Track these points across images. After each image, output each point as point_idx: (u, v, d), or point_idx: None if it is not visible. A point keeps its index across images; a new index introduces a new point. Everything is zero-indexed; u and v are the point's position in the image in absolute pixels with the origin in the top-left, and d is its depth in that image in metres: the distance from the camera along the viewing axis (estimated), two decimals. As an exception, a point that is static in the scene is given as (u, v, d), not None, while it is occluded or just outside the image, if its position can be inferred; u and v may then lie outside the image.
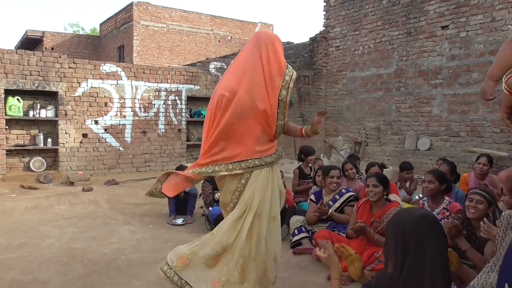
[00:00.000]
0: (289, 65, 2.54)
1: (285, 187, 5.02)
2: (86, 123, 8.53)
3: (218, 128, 2.45)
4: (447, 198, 3.69)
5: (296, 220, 4.28)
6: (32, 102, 8.07)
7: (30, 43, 21.88)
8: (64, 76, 8.20)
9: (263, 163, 2.53)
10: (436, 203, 3.61)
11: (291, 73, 2.51)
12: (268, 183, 2.55)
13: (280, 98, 2.48)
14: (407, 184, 5.44)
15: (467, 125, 8.83)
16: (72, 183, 7.61)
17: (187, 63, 18.63)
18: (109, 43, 21.82)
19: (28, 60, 7.83)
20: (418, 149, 9.58)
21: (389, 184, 3.57)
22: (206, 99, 9.62)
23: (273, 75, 2.46)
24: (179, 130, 9.73)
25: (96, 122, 8.66)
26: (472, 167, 7.52)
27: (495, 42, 8.19)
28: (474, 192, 2.98)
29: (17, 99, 7.76)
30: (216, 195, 5.03)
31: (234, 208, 2.54)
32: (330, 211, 4.02)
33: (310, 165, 5.69)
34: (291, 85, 2.49)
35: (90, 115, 8.56)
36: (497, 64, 1.57)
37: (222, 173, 2.50)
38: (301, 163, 5.76)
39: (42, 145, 8.08)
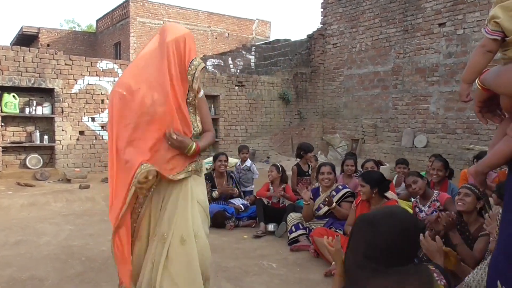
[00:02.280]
0: (196, 59, 2.15)
1: (286, 182, 5.08)
2: (82, 120, 8.49)
3: (117, 134, 2.08)
4: (435, 191, 3.85)
5: (293, 217, 4.29)
6: (28, 99, 8.03)
7: (26, 39, 21.75)
8: (60, 73, 8.16)
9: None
10: (427, 198, 3.77)
11: (194, 71, 2.12)
12: (178, 200, 2.14)
13: (188, 100, 2.17)
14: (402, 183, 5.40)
15: (463, 122, 8.87)
16: (68, 181, 7.59)
17: (184, 60, 18.56)
18: (106, 40, 21.72)
19: (23, 57, 7.78)
20: (415, 146, 9.61)
21: (380, 181, 3.57)
22: (203, 96, 9.58)
23: (181, 75, 2.12)
24: (176, 127, 9.70)
25: (93, 119, 8.62)
26: (468, 164, 7.57)
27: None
28: (463, 186, 3.10)
29: (13, 96, 7.72)
30: (214, 193, 5.04)
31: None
32: (334, 204, 4.03)
33: (308, 162, 5.69)
34: (194, 86, 2.13)
35: (86, 112, 8.53)
36: (469, 69, 1.66)
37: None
38: (298, 160, 5.77)
39: (38, 142, 8.04)
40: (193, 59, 2.13)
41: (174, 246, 2.08)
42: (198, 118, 2.24)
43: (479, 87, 1.65)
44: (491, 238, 2.45)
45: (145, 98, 2.06)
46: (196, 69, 2.12)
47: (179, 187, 2.16)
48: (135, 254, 2.22)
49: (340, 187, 4.27)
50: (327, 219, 4.15)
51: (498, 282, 1.41)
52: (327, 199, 4.02)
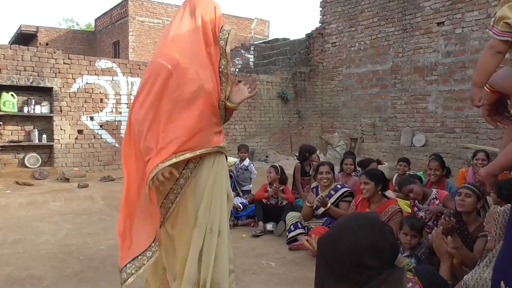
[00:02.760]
0: (224, 26, 2.11)
1: (286, 183, 4.98)
2: (81, 119, 8.49)
3: (163, 111, 1.96)
4: (433, 189, 3.82)
5: (292, 217, 4.29)
6: (26, 98, 8.02)
7: (24, 38, 21.71)
8: (59, 72, 8.15)
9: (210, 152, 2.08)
10: (425, 197, 3.73)
11: (226, 35, 2.08)
12: (213, 189, 2.13)
13: (220, 69, 2.09)
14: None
15: (462, 121, 8.88)
16: (67, 180, 7.58)
17: (183, 59, 18.53)
18: (104, 39, 21.68)
19: (22, 56, 7.77)
20: (414, 145, 9.62)
21: (383, 179, 3.58)
22: (202, 95, 9.56)
23: (212, 45, 2.08)
24: (175, 126, 9.69)
25: (92, 118, 8.62)
26: (467, 163, 7.58)
27: (490, 39, 8.20)
28: (463, 186, 3.06)
29: (11, 95, 7.71)
30: None
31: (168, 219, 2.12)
32: (329, 204, 4.03)
33: (311, 163, 5.65)
34: (227, 50, 2.08)
35: (85, 111, 8.52)
36: (478, 72, 1.61)
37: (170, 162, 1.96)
38: (302, 161, 5.67)
39: (37, 141, 8.03)
40: (222, 25, 2.11)
41: (216, 238, 2.10)
42: (229, 88, 2.14)
43: (487, 90, 1.61)
44: (488, 238, 2.45)
45: (191, 73, 1.99)
46: (228, 33, 2.09)
47: (213, 175, 2.13)
48: (178, 245, 2.14)
49: (339, 186, 4.26)
50: (326, 218, 4.14)
51: (502, 283, 1.40)
52: (320, 199, 4.00)
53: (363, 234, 1.29)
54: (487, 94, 1.62)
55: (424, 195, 3.74)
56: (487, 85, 1.60)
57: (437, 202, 3.67)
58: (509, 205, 2.03)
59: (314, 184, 4.68)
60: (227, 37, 2.07)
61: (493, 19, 1.53)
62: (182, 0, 2.23)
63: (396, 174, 5.54)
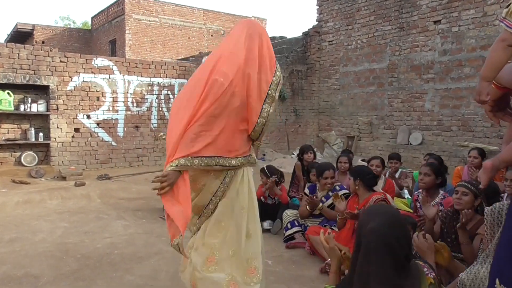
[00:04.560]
0: (277, 63, 2.38)
1: (282, 182, 4.95)
2: (78, 117, 8.47)
3: (203, 116, 2.13)
4: (442, 192, 3.71)
5: (289, 214, 4.29)
6: (23, 96, 7.99)
7: (20, 36, 21.61)
8: (55, 70, 8.12)
9: (246, 162, 2.35)
10: (431, 196, 3.63)
11: (280, 72, 2.35)
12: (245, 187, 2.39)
13: (269, 92, 2.26)
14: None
15: (458, 119, 8.91)
16: (64, 178, 7.57)
17: (180, 57, 18.53)
18: (101, 37, 21.62)
19: (18, 54, 7.74)
20: (410, 144, 9.64)
21: (364, 174, 3.63)
22: (199, 94, 9.54)
23: (267, 70, 2.27)
24: (172, 124, 9.68)
25: (88, 117, 8.60)
26: (463, 161, 7.61)
27: (487, 37, 8.25)
28: (460, 185, 3.04)
29: (8, 93, 7.68)
30: None
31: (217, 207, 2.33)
32: (321, 204, 4.03)
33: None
34: (281, 82, 2.33)
35: (82, 109, 8.50)
36: (488, 65, 1.56)
37: (205, 167, 2.17)
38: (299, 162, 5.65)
39: (33, 139, 8.01)
40: (277, 66, 2.38)
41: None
42: (271, 109, 2.31)
43: (493, 86, 1.57)
44: (483, 239, 2.47)
45: (240, 90, 2.20)
46: (280, 72, 2.42)
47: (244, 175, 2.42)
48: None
49: (337, 187, 4.23)
50: (323, 218, 4.14)
51: (497, 280, 1.41)
52: (309, 200, 3.99)
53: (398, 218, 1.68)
54: (492, 89, 1.58)
55: (432, 193, 3.63)
56: (494, 81, 1.57)
57: (441, 207, 3.51)
58: (497, 204, 2.05)
59: (309, 184, 4.67)
60: (280, 75, 2.32)
61: (505, 10, 1.45)
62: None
63: (389, 171, 5.50)
